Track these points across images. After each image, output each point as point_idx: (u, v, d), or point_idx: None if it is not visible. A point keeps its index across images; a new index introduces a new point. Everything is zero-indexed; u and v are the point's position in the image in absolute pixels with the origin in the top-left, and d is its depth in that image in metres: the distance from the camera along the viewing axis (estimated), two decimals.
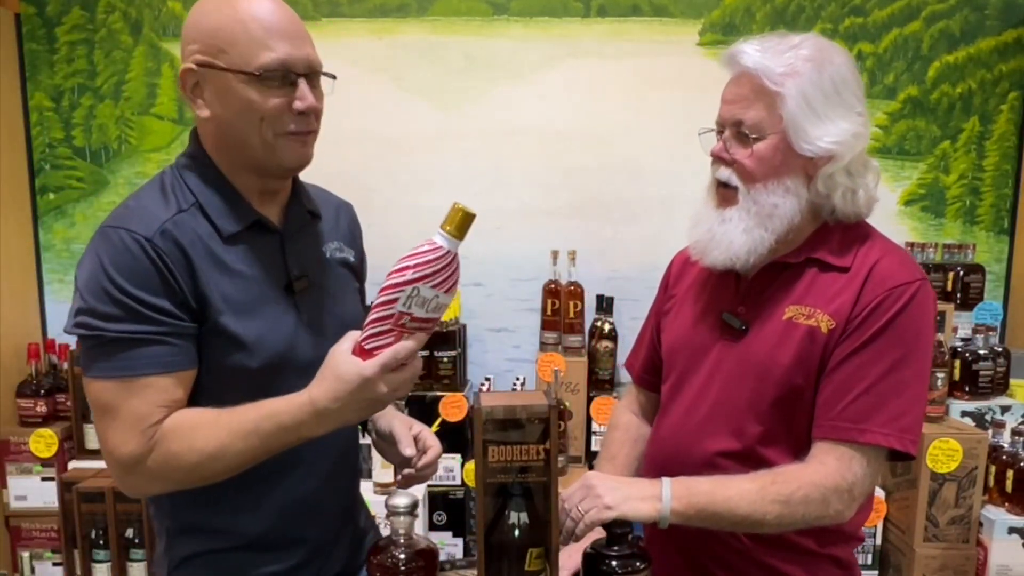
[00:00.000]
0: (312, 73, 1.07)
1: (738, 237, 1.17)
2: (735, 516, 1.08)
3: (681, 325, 1.31)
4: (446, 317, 2.16)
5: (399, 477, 1.27)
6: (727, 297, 1.25)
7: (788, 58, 1.12)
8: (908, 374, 1.11)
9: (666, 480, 1.09)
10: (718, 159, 1.20)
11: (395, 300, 0.98)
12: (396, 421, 1.28)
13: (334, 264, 1.22)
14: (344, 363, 0.99)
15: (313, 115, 1.09)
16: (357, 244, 1.31)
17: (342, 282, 1.24)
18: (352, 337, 1.01)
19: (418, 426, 1.29)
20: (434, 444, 1.26)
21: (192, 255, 1.05)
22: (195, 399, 1.08)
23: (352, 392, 0.98)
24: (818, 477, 1.10)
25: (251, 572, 1.16)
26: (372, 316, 1.00)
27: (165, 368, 1.03)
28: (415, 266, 0.97)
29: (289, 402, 1.01)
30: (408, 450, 1.22)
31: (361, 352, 1.00)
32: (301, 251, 1.17)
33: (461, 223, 0.98)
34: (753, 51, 1.14)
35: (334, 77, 1.12)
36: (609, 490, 1.08)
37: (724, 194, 1.20)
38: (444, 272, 0.98)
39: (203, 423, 1.03)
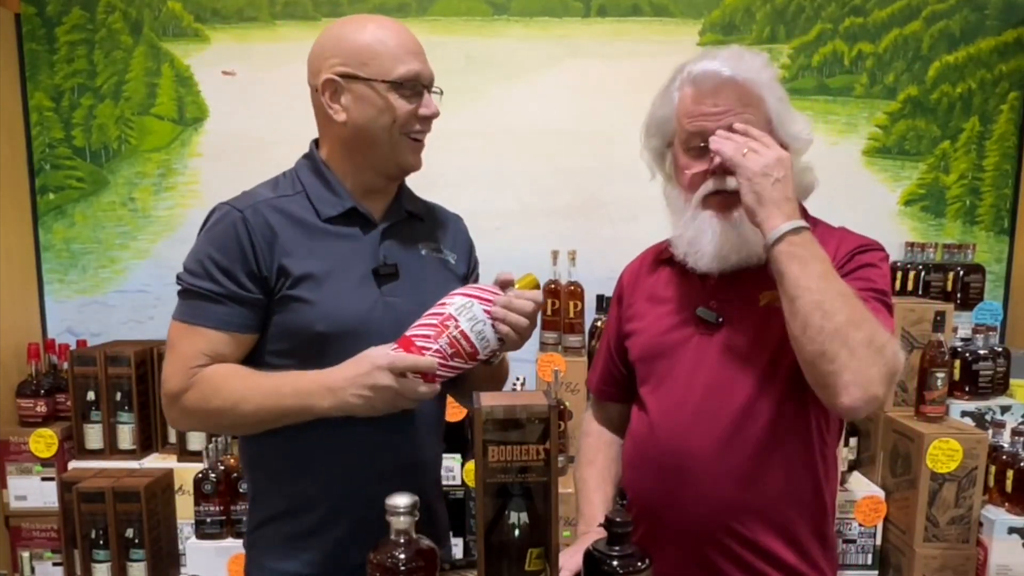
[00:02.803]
0: (431, 86, 1.28)
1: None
2: (826, 275, 1.07)
3: (651, 329, 1.32)
4: None
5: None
6: (695, 295, 1.27)
7: (754, 66, 1.19)
8: (888, 311, 1.18)
9: (800, 220, 1.11)
10: (721, 170, 1.18)
11: (450, 303, 1.14)
12: None
13: (429, 260, 1.34)
14: (370, 352, 1.13)
15: (430, 122, 1.29)
16: (461, 251, 1.43)
17: (433, 276, 1.32)
18: (392, 344, 1.13)
19: None
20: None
21: (280, 231, 1.21)
22: (270, 359, 1.23)
23: (361, 375, 1.11)
24: (887, 336, 1.08)
25: (316, 536, 1.26)
26: (426, 313, 1.15)
27: (216, 324, 1.19)
28: (480, 287, 1.17)
29: (307, 374, 1.16)
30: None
31: (404, 340, 1.13)
32: (395, 243, 1.30)
33: (528, 286, 1.19)
34: (724, 64, 1.18)
35: (441, 92, 1.32)
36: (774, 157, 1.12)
37: (727, 201, 1.20)
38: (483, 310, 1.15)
39: (234, 376, 1.19)
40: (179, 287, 1.23)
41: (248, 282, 1.20)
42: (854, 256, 1.21)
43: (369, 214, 1.29)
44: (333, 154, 1.29)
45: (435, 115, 1.27)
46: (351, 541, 1.24)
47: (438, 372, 1.13)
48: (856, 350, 1.04)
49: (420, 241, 1.35)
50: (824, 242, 1.21)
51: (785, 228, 1.09)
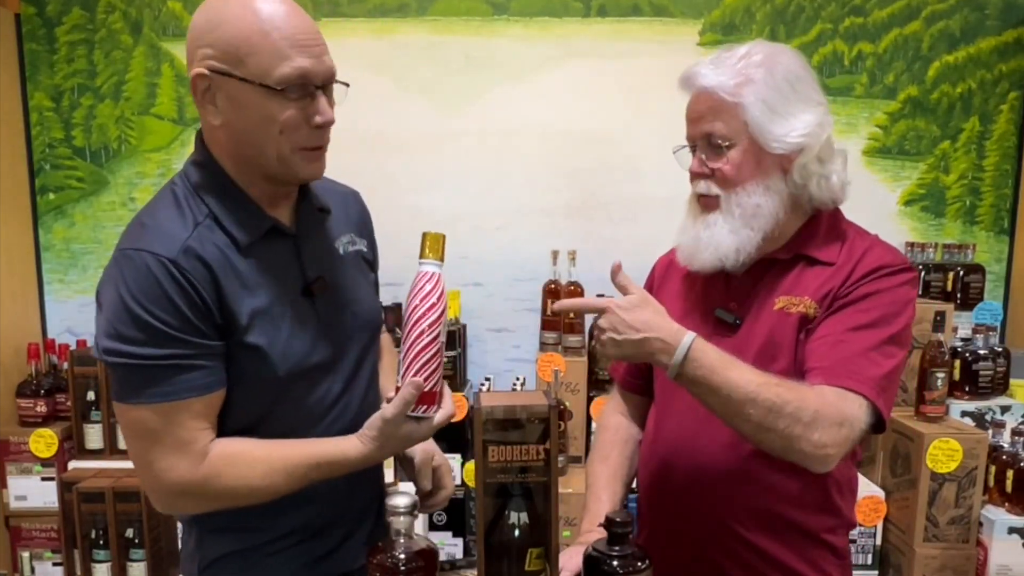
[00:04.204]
0: (330, 84, 1.06)
1: (725, 238, 1.20)
2: (724, 392, 1.06)
3: None
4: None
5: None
6: (717, 294, 1.27)
7: (740, 68, 1.16)
8: (882, 333, 1.15)
9: (691, 333, 1.09)
10: (697, 175, 1.23)
11: (439, 335, 1.06)
12: (419, 448, 1.30)
13: (348, 258, 1.22)
14: (405, 432, 1.07)
15: (329, 127, 1.08)
16: (368, 232, 1.31)
17: (357, 276, 1.24)
18: (403, 399, 1.04)
19: (440, 458, 1.33)
20: (448, 484, 1.32)
21: (216, 270, 1.03)
22: (225, 408, 1.08)
23: (398, 448, 1.11)
24: (816, 403, 1.08)
25: (286, 564, 1.18)
26: (424, 357, 1.05)
27: (202, 391, 1.03)
28: (437, 301, 1.05)
29: (344, 454, 1.09)
30: (425, 483, 1.30)
31: (426, 397, 1.06)
32: (315, 251, 1.16)
33: (435, 246, 1.05)
34: (706, 70, 1.18)
35: (347, 85, 1.09)
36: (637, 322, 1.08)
37: (706, 202, 1.23)
38: (434, 302, 1.05)
39: (257, 460, 1.06)
40: (124, 367, 1.01)
41: (211, 332, 1.03)
42: (869, 280, 1.17)
43: (283, 226, 1.12)
44: (226, 159, 1.09)
45: (329, 122, 1.05)
46: (327, 560, 1.21)
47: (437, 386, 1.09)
48: (789, 435, 1.06)
49: (334, 238, 1.21)
50: (850, 251, 1.21)
51: (675, 366, 1.06)
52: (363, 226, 1.30)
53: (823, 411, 1.07)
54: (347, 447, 1.09)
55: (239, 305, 1.05)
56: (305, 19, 1.04)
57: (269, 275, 1.09)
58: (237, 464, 1.05)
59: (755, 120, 1.15)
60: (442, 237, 1.06)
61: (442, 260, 1.06)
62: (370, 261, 1.30)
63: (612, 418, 1.48)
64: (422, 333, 1.04)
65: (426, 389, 1.06)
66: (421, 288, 1.05)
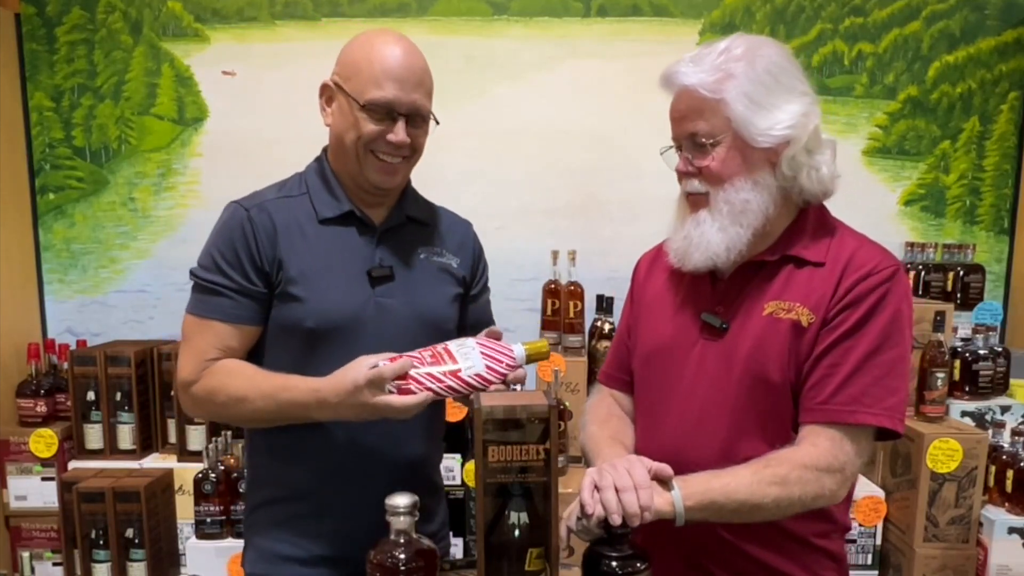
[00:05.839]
0: (415, 115, 1.28)
1: (715, 236, 1.18)
2: (734, 503, 1.08)
3: (657, 329, 1.31)
4: None
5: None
6: (703, 297, 1.26)
7: (719, 64, 1.15)
8: (891, 355, 1.14)
9: (670, 503, 1.08)
10: (684, 174, 1.22)
11: (451, 341, 1.19)
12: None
13: (428, 264, 1.37)
14: (352, 368, 1.14)
15: (405, 148, 1.29)
16: (465, 255, 1.45)
17: (431, 280, 1.37)
18: (387, 354, 1.15)
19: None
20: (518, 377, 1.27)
21: (281, 229, 1.28)
22: (260, 352, 1.30)
23: (347, 393, 1.13)
24: (811, 458, 1.11)
25: (305, 524, 1.31)
26: (443, 372, 1.16)
27: (225, 317, 1.26)
28: (485, 339, 1.20)
29: (305, 383, 1.19)
30: None
31: (395, 357, 1.15)
32: (393, 247, 1.34)
33: (536, 352, 1.22)
34: (686, 68, 1.17)
35: (438, 122, 1.35)
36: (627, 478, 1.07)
37: (695, 200, 1.22)
38: (498, 359, 1.18)
39: (240, 374, 1.25)
40: (192, 281, 1.30)
41: (253, 275, 1.26)
42: (862, 289, 1.14)
43: (367, 218, 1.33)
44: (332, 155, 1.35)
45: (401, 143, 1.27)
46: (340, 533, 1.29)
47: (411, 374, 1.13)
48: (803, 495, 1.10)
49: (420, 245, 1.38)
50: (838, 250, 1.19)
51: (679, 514, 1.08)
52: (461, 248, 1.45)
53: (822, 464, 1.11)
54: (310, 378, 1.19)
55: (292, 260, 1.27)
56: (411, 59, 1.28)
57: (336, 248, 1.30)
58: (220, 375, 1.25)
59: (738, 115, 1.14)
60: (546, 354, 1.23)
61: (527, 352, 1.21)
62: (458, 278, 1.41)
63: (599, 394, 1.44)
64: (468, 379, 1.16)
65: (411, 372, 1.14)
66: (502, 354, 1.19)
